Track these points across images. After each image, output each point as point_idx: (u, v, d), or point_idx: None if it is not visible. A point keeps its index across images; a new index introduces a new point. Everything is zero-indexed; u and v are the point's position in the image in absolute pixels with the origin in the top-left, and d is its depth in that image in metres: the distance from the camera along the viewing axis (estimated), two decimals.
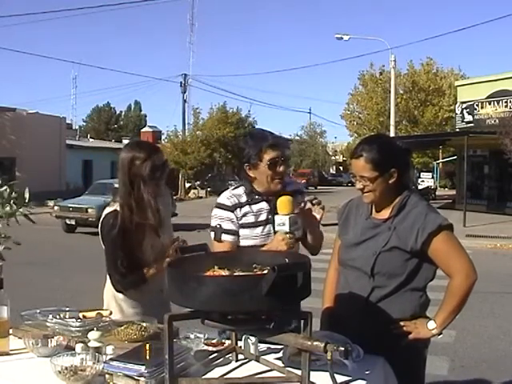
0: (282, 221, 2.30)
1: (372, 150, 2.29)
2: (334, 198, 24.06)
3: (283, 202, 2.34)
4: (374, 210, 2.41)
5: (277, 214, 2.36)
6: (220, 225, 2.59)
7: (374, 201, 2.35)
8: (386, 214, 2.35)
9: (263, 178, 2.55)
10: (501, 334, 6.21)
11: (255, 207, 2.60)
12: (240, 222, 2.58)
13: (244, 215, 2.58)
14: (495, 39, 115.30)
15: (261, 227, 2.58)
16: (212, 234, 2.63)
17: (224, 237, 2.58)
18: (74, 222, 16.00)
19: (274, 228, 2.43)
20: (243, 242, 2.59)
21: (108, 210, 2.67)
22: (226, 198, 2.62)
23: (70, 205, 16.28)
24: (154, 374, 1.82)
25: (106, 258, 2.64)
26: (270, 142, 2.53)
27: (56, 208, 16.58)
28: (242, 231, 2.59)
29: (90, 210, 15.49)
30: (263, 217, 2.58)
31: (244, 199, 2.60)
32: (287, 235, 2.30)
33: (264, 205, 2.60)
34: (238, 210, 2.58)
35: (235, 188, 2.67)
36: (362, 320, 2.30)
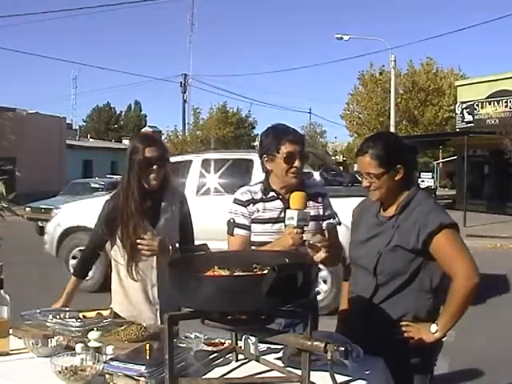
0: (291, 215, 2.32)
1: (377, 146, 2.29)
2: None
3: (294, 197, 2.36)
4: (381, 207, 2.41)
5: (289, 208, 2.38)
6: (233, 219, 2.64)
7: (380, 198, 2.35)
8: (391, 211, 2.34)
9: (279, 171, 2.59)
10: (501, 334, 6.21)
11: (269, 204, 2.63)
12: (252, 217, 2.62)
13: (256, 211, 2.62)
14: (495, 39, 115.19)
15: (271, 224, 2.60)
16: (226, 227, 2.67)
17: (236, 231, 2.62)
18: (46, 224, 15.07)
19: (284, 222, 2.44)
20: (254, 238, 2.62)
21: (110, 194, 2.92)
22: (240, 193, 2.68)
23: (42, 206, 15.07)
24: (154, 373, 1.82)
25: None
26: (289, 136, 2.57)
27: (28, 209, 15.34)
28: (253, 226, 2.62)
29: None
30: (275, 214, 2.61)
31: (259, 196, 2.64)
32: (294, 229, 2.32)
33: (278, 203, 2.63)
34: (251, 205, 2.62)
35: (253, 185, 2.73)
36: (367, 320, 2.29)
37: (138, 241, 2.67)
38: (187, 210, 2.92)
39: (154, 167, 2.69)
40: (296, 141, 2.57)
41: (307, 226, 2.36)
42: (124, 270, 2.76)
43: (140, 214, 2.70)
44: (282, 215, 2.57)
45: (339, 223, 2.74)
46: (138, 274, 2.73)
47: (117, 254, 2.79)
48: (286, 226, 2.39)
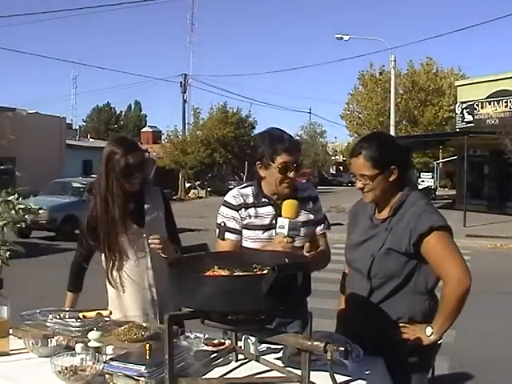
0: (283, 223, 2.28)
1: (371, 147, 2.26)
2: (334, 198, 24.10)
3: (287, 206, 2.31)
4: (376, 208, 2.38)
5: (280, 216, 2.33)
6: (224, 223, 2.57)
7: (374, 200, 2.32)
8: (385, 213, 2.32)
9: (272, 180, 2.51)
10: (501, 334, 6.21)
11: (261, 210, 2.56)
12: (244, 223, 2.56)
13: (248, 216, 2.55)
14: (495, 39, 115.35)
15: (262, 231, 2.54)
16: (216, 231, 2.61)
17: (227, 235, 2.57)
18: (24, 225, 14.25)
19: (275, 230, 2.39)
20: (244, 243, 2.57)
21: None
22: (232, 196, 2.60)
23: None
24: (154, 373, 1.82)
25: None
26: (285, 146, 2.47)
27: None
28: (244, 232, 2.57)
29: (40, 211, 13.64)
30: (267, 221, 2.53)
31: (251, 200, 2.57)
32: (285, 239, 2.27)
33: (270, 209, 2.55)
34: (243, 210, 2.55)
35: (244, 187, 2.64)
36: (362, 322, 2.28)
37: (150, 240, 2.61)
38: (169, 206, 2.91)
39: (137, 172, 2.65)
40: (292, 151, 2.47)
41: (298, 235, 2.32)
42: (121, 276, 2.72)
43: (125, 217, 2.66)
44: (274, 222, 2.47)
45: (329, 227, 2.70)
46: (129, 277, 2.71)
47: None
48: (276, 233, 2.34)
